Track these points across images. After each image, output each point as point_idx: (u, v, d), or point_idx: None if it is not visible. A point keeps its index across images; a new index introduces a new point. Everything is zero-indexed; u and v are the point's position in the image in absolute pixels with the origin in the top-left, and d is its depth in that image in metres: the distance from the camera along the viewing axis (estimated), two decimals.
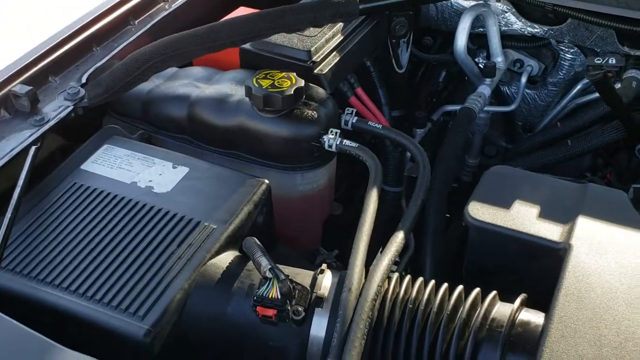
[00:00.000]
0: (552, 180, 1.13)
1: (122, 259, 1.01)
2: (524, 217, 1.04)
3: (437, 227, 1.22)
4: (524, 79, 1.82)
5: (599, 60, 1.30)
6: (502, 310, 0.93)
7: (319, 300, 0.97)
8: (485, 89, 1.67)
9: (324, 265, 1.02)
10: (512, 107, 1.84)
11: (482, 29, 1.78)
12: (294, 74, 1.28)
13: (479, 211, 1.06)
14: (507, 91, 1.97)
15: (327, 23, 1.38)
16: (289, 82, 1.25)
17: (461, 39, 1.67)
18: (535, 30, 1.73)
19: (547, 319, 0.87)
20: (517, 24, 1.75)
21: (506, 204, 1.07)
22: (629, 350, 0.82)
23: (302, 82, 1.26)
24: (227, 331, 0.98)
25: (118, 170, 1.17)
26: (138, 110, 1.36)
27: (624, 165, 1.57)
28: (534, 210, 1.05)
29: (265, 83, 1.25)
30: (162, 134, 1.35)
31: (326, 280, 1.00)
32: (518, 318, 0.92)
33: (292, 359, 0.96)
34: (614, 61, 1.29)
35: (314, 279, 0.99)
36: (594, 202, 1.04)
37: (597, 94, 1.65)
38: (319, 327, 0.95)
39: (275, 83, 1.25)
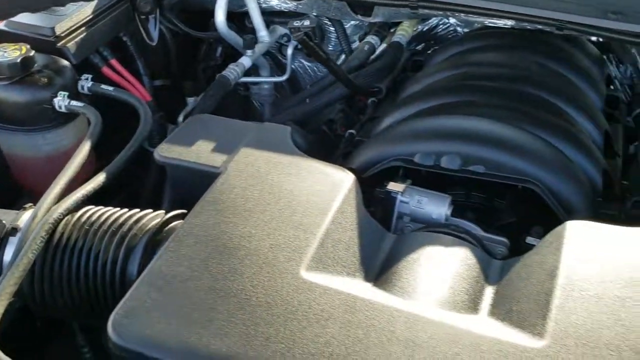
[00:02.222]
0: (240, 124, 1.34)
1: None
2: (201, 152, 1.24)
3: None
4: (289, 51, 2.03)
5: (297, 22, 1.52)
6: (156, 221, 1.12)
7: (14, 231, 1.13)
8: (245, 60, 1.87)
9: (28, 205, 1.19)
10: (284, 77, 2.06)
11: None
12: (27, 45, 1.44)
13: (166, 150, 1.25)
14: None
15: (68, 2, 1.55)
16: (18, 53, 1.41)
17: (219, 14, 1.86)
18: (288, 5, 1.95)
19: (183, 223, 1.06)
20: (274, 0, 1.96)
21: (192, 143, 1.26)
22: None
23: (31, 52, 1.42)
24: None
25: None
26: None
27: None
28: (211, 145, 1.25)
29: None
30: None
31: (25, 215, 1.16)
32: (169, 226, 1.11)
33: None
34: (308, 22, 1.51)
35: (16, 215, 1.16)
36: (258, 137, 1.26)
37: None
38: (9, 252, 1.11)
39: (7, 54, 1.41)
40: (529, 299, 0.95)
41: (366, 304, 0.92)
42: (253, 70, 2.09)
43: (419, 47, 2.06)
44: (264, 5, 1.96)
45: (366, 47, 1.85)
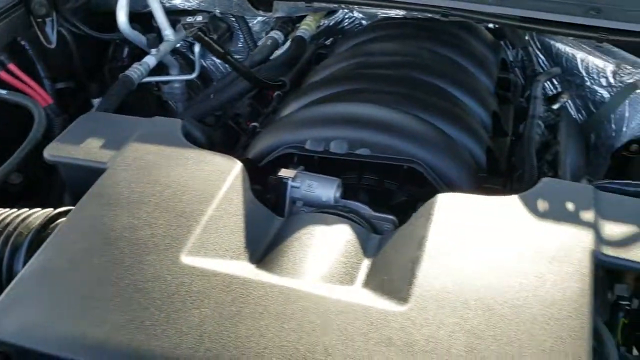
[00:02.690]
0: (130, 120, 1.35)
1: None
2: (90, 149, 1.25)
3: None
4: (197, 49, 2.05)
5: (190, 18, 1.55)
6: (42, 219, 1.13)
7: None
8: (149, 59, 1.88)
9: None
10: (194, 75, 2.08)
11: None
12: None
13: (55, 149, 1.26)
14: (204, 62, 2.22)
15: None
16: None
17: (121, 15, 1.87)
18: (190, 3, 1.97)
19: (66, 217, 1.08)
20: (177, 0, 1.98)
21: (81, 141, 1.27)
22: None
23: None
24: None
25: None
26: None
27: None
28: (101, 142, 1.26)
29: None
30: None
31: None
32: (55, 223, 1.12)
33: None
34: (200, 18, 1.54)
35: None
36: (147, 131, 1.28)
37: None
38: None
39: None
40: (398, 268, 1.00)
41: (241, 282, 0.95)
42: (163, 70, 2.11)
43: (328, 42, 2.12)
44: (167, 5, 1.98)
45: (269, 42, 1.89)
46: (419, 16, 1.69)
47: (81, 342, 0.88)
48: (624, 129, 1.88)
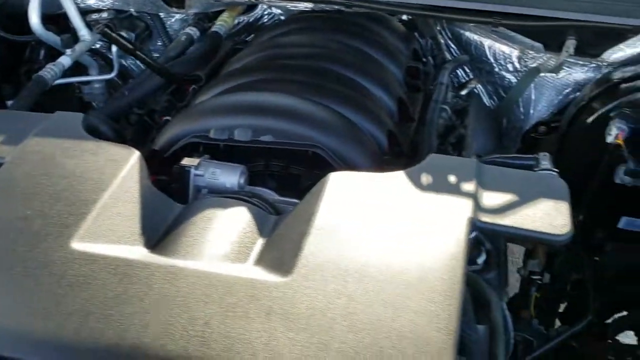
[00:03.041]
0: (32, 115, 1.36)
1: None
2: None
3: None
4: (114, 48, 2.05)
5: (96, 15, 1.56)
6: None
7: None
8: (64, 59, 1.87)
9: None
10: (112, 74, 2.08)
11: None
12: None
13: None
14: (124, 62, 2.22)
15: None
16: None
17: (33, 16, 1.86)
18: (105, 3, 1.97)
19: None
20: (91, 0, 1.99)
21: None
22: None
23: None
24: None
25: None
26: None
27: None
28: (1, 139, 1.27)
29: None
30: None
31: None
32: None
33: None
34: (106, 15, 1.55)
35: None
36: (48, 126, 1.28)
37: None
38: None
39: None
40: (287, 243, 1.03)
41: (128, 264, 0.97)
42: (83, 71, 2.11)
43: (249, 39, 2.15)
44: (82, 5, 1.98)
45: (183, 38, 1.91)
46: (327, 8, 1.74)
47: None
48: (532, 111, 1.97)
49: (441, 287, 0.93)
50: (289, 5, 1.79)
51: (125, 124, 1.79)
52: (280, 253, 1.02)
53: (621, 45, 1.74)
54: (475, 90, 2.01)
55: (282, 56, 1.68)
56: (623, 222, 1.77)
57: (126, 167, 1.17)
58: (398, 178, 1.14)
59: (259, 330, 0.87)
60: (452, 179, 1.14)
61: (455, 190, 1.11)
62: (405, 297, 0.91)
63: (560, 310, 1.98)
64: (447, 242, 1.00)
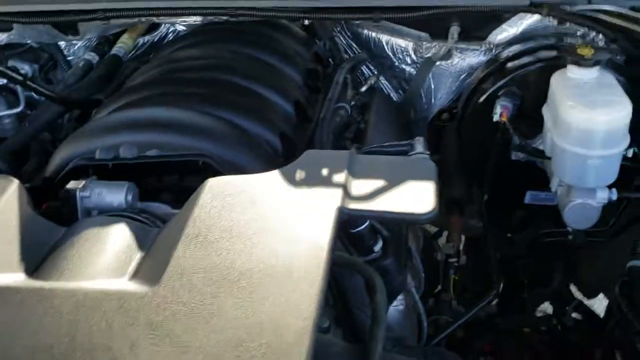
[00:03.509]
0: None
1: None
2: None
3: None
4: None
5: None
6: None
7: None
8: None
9: None
10: (20, 108, 2.06)
11: None
12: None
13: None
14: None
15: None
16: None
17: None
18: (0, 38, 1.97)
19: None
20: None
21: None
22: None
23: None
24: None
25: None
26: None
27: None
28: None
29: None
30: None
31: None
32: None
33: None
34: None
35: None
36: None
37: None
38: None
39: None
40: (160, 253, 1.05)
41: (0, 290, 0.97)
42: None
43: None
44: None
45: (82, 64, 1.92)
46: (215, 20, 1.76)
47: None
48: (433, 100, 2.02)
49: (304, 276, 0.95)
50: (180, 20, 1.81)
51: (33, 154, 1.79)
52: (152, 264, 1.03)
53: (504, 26, 1.80)
54: (379, 84, 2.06)
55: (176, 70, 1.70)
56: (528, 197, 1.83)
57: (4, 196, 1.17)
58: (273, 177, 1.17)
59: (122, 340, 0.88)
60: (325, 171, 1.16)
61: (326, 182, 1.14)
62: (268, 291, 0.93)
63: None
64: (314, 232, 1.02)
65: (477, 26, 1.81)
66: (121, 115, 1.45)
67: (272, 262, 0.98)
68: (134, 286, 0.98)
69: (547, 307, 1.91)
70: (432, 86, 1.99)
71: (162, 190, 1.43)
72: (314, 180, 1.15)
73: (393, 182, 1.13)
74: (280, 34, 1.95)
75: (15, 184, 1.21)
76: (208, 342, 0.87)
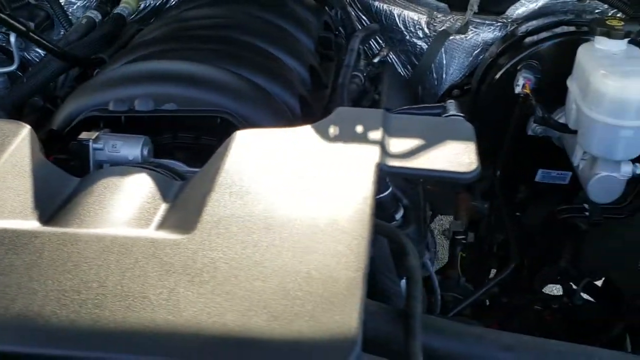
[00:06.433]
0: None
1: None
2: None
3: None
4: (12, 39, 1.95)
5: None
6: None
7: None
8: None
9: None
10: (13, 67, 1.98)
11: None
12: None
13: None
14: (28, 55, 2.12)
15: None
16: None
17: None
18: None
19: None
20: None
21: None
22: None
23: None
24: None
25: None
26: None
27: None
28: None
29: None
30: None
31: None
32: None
33: None
34: None
35: None
36: None
37: None
38: None
39: None
40: (191, 203, 0.99)
41: (18, 235, 0.90)
42: None
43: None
44: None
45: (84, 21, 1.83)
46: None
47: None
48: (444, 76, 1.99)
49: (350, 228, 0.90)
50: None
51: (30, 112, 1.70)
52: (184, 214, 0.97)
53: (522, 0, 1.77)
54: (388, 59, 2.02)
55: (190, 28, 1.63)
56: (539, 175, 1.81)
57: (15, 141, 1.09)
58: (305, 131, 1.11)
59: (158, 287, 0.81)
60: (359, 128, 1.12)
61: (362, 138, 1.09)
62: (313, 242, 0.88)
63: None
64: (355, 187, 0.98)
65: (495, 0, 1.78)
66: (136, 67, 1.37)
67: (313, 214, 0.93)
68: (165, 234, 0.92)
69: (551, 289, 1.90)
70: (444, 61, 1.95)
71: (177, 149, 1.36)
72: (348, 136, 1.10)
73: (431, 141, 1.09)
74: (294, 2, 1.90)
75: (27, 129, 1.13)
76: (252, 289, 0.81)
